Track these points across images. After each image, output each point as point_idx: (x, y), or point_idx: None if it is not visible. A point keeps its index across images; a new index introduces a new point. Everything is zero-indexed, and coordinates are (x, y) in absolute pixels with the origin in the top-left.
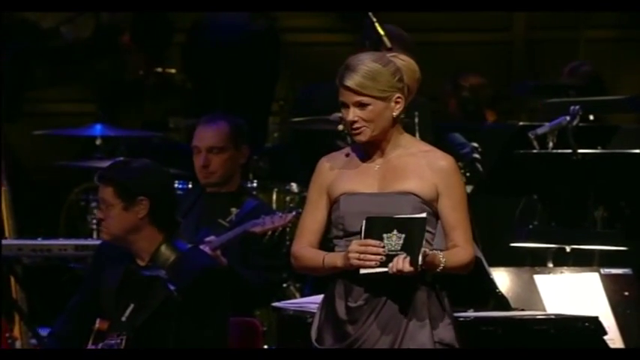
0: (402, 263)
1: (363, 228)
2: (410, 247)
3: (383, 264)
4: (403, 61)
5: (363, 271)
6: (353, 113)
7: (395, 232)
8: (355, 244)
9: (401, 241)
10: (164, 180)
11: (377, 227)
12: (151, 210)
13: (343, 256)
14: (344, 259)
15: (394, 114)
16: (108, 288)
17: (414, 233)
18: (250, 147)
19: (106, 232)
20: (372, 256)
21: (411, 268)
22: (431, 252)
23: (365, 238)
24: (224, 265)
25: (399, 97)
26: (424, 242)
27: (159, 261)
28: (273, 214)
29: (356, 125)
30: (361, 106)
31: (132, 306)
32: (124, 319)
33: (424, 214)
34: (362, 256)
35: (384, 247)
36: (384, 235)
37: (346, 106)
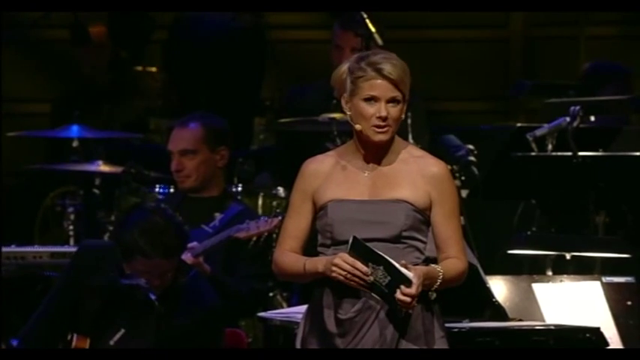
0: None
1: (350, 244)
2: (393, 292)
3: (365, 287)
4: None
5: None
6: (385, 110)
7: (382, 268)
8: (342, 260)
9: (387, 280)
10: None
11: (365, 252)
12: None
13: (326, 263)
14: (325, 266)
15: (403, 116)
16: (89, 301)
17: (401, 283)
18: (230, 149)
19: (159, 289)
20: (358, 280)
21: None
22: (427, 266)
23: (350, 254)
24: (207, 273)
25: (407, 100)
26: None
27: (177, 285)
28: (258, 219)
29: (386, 122)
30: (394, 102)
31: (122, 331)
32: (112, 342)
33: (412, 276)
34: (348, 275)
35: (370, 274)
36: (371, 264)
37: (375, 100)
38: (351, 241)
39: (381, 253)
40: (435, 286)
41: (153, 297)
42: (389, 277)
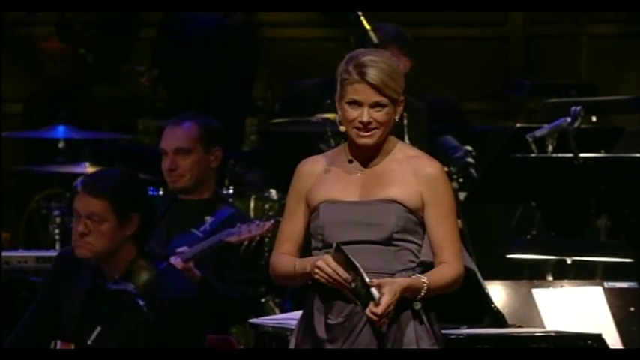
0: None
1: (333, 249)
2: (364, 303)
3: (349, 290)
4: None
5: None
6: (368, 114)
7: (359, 280)
8: (325, 264)
9: (363, 291)
10: (148, 193)
11: (346, 260)
12: (139, 227)
13: (313, 262)
14: (311, 266)
15: (397, 118)
16: (70, 306)
17: (369, 299)
18: (224, 150)
19: (90, 248)
20: (334, 283)
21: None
22: (410, 276)
23: (334, 258)
24: (198, 278)
25: (402, 100)
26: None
27: (134, 277)
28: (250, 223)
29: (370, 127)
30: (378, 107)
31: (99, 329)
32: (90, 342)
33: (378, 298)
34: (330, 279)
35: (351, 281)
36: (352, 273)
37: (358, 104)
38: (334, 246)
39: (358, 266)
40: (420, 297)
41: (141, 302)
42: (364, 290)
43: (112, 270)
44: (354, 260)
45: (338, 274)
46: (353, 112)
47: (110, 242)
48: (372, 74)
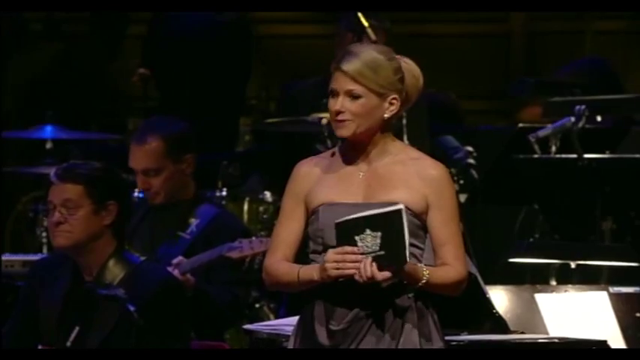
0: (369, 269)
1: (335, 235)
2: (390, 245)
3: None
4: (407, 64)
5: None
6: (340, 103)
7: (368, 231)
8: (331, 253)
9: (378, 240)
10: (127, 185)
11: (347, 231)
12: (117, 217)
13: (319, 267)
14: (321, 272)
15: (385, 115)
16: (48, 310)
17: (391, 229)
18: (195, 153)
19: (68, 236)
20: (351, 264)
21: (386, 274)
22: (413, 264)
23: (338, 245)
24: (192, 284)
25: (394, 99)
26: (407, 237)
27: (106, 276)
28: (252, 239)
29: (341, 117)
30: (353, 97)
31: (77, 329)
32: (68, 344)
33: (400, 206)
34: (340, 264)
35: (360, 249)
36: (357, 238)
37: (335, 94)
38: (335, 230)
39: (360, 215)
40: (417, 287)
41: (132, 308)
42: (379, 233)
43: (90, 265)
44: (355, 216)
45: (346, 252)
46: (331, 102)
47: (87, 230)
48: (347, 62)
